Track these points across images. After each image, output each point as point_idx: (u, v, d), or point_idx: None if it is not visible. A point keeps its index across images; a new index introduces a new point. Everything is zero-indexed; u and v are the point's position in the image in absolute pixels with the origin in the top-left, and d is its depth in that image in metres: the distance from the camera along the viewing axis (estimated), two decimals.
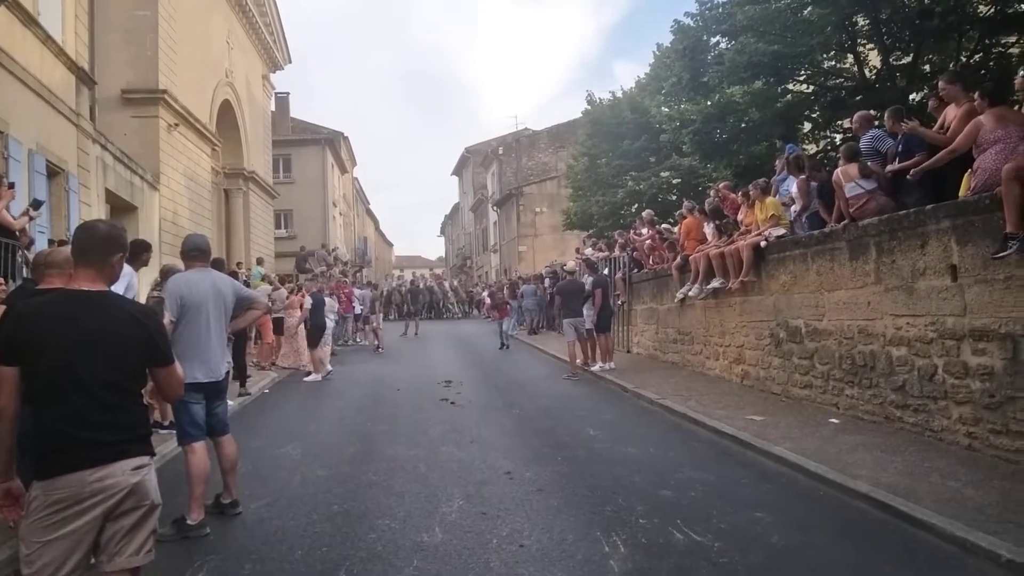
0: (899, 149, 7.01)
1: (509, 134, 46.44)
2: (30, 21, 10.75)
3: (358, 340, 20.56)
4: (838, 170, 7.47)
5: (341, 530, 4.78)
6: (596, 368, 12.19)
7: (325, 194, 38.07)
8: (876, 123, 8.21)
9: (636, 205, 19.92)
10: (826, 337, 7.93)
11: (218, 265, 9.15)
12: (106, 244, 2.74)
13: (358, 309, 20.44)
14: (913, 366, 6.60)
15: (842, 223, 7.57)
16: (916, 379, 6.55)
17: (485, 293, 31.00)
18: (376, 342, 18.72)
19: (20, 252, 7.61)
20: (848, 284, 7.54)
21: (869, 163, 7.31)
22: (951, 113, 6.54)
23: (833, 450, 6.22)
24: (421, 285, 32.04)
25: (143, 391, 2.83)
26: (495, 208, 44.28)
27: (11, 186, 7.20)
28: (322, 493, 5.64)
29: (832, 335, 7.82)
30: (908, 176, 6.67)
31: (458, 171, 58.99)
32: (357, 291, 21.54)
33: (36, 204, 7.66)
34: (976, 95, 6.30)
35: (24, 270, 7.79)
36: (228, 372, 5.40)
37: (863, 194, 7.20)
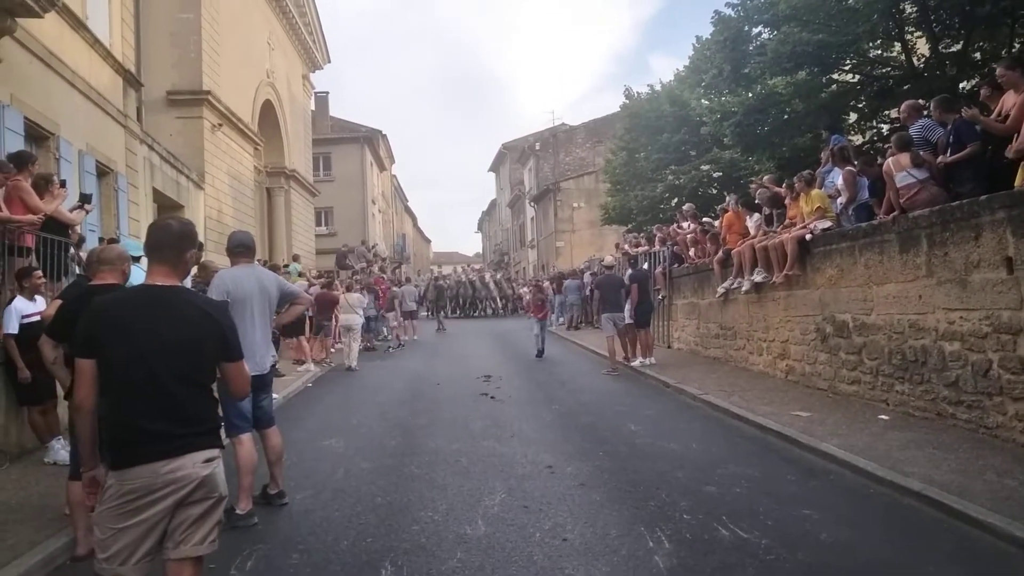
0: (950, 139, 6.78)
1: (546, 130, 46.25)
2: (79, 25, 11.03)
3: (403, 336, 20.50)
4: (889, 160, 7.28)
5: (385, 522, 4.83)
6: (636, 363, 12.09)
7: (364, 191, 38.47)
8: (925, 112, 8.00)
9: (676, 199, 19.67)
10: (875, 332, 7.74)
11: (203, 268, 9.29)
12: (180, 241, 2.83)
13: (410, 306, 20.40)
14: (967, 361, 6.40)
15: (892, 215, 7.37)
16: (970, 374, 6.35)
17: (524, 289, 30.32)
18: (398, 340, 18.93)
19: (71, 249, 7.82)
20: (898, 277, 7.34)
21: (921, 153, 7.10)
22: (1010, 100, 6.30)
23: (883, 447, 6.07)
24: (463, 278, 31.93)
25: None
26: (532, 204, 44.19)
27: (63, 184, 7.41)
28: (366, 485, 5.71)
29: (881, 330, 7.62)
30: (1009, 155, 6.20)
31: (495, 167, 59.02)
32: (397, 288, 21.57)
33: (87, 198, 7.87)
34: None
35: (75, 267, 8.02)
36: (274, 365, 5.48)
37: (914, 184, 7.00)
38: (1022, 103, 6.06)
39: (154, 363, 2.59)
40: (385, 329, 19.97)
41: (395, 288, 21.02)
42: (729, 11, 13.29)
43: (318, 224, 33.57)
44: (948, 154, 6.80)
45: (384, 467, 6.26)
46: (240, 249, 5.22)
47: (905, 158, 7.09)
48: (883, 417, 7.16)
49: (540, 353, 14.15)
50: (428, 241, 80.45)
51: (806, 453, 6.34)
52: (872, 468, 5.52)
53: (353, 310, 14.14)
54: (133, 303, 2.73)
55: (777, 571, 3.89)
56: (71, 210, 7.69)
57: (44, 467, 6.13)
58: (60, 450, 6.16)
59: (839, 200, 8.95)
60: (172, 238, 2.82)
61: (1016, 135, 6.03)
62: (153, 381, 2.59)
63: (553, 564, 4.04)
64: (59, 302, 4.71)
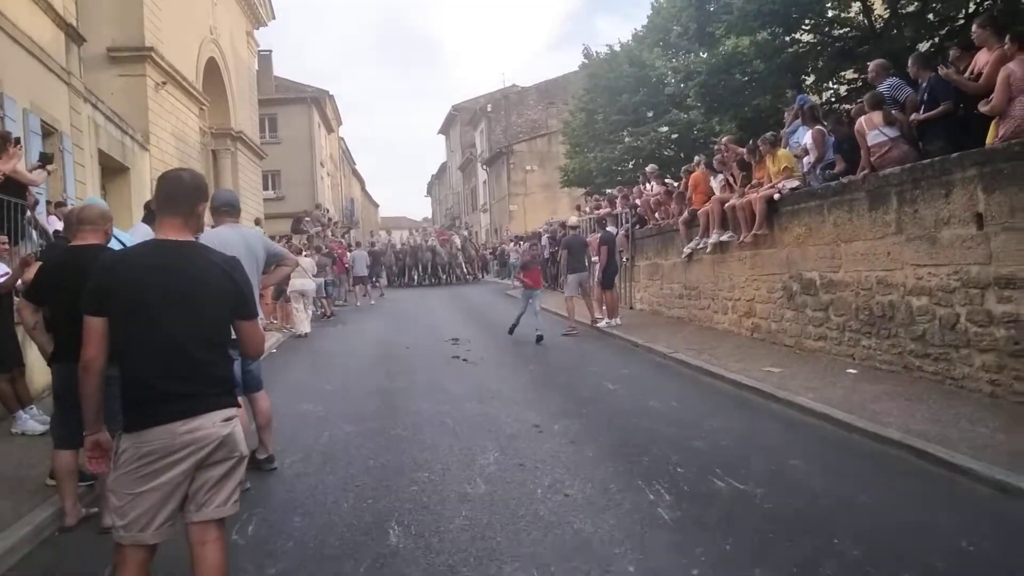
0: (924, 97, 6.93)
1: (497, 91, 45.84)
2: None
3: (355, 303, 20.45)
4: (861, 118, 7.41)
5: (382, 483, 4.79)
6: (602, 324, 12.20)
7: (312, 154, 37.51)
8: (892, 72, 8.14)
9: (634, 161, 19.76)
10: (842, 289, 7.95)
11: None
12: (193, 193, 2.70)
13: (361, 271, 20.36)
14: (934, 315, 6.63)
15: (862, 173, 7.53)
16: (937, 328, 6.60)
17: (510, 246, 27.15)
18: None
19: (28, 212, 7.43)
20: (867, 235, 7.53)
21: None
22: (983, 58, 6.45)
23: (857, 399, 6.28)
24: (422, 242, 29.87)
25: None
26: (484, 167, 43.88)
27: (17, 142, 6.98)
28: (354, 448, 5.65)
29: (849, 286, 7.84)
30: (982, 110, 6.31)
31: (445, 130, 58.27)
32: (351, 253, 21.38)
33: (48, 158, 7.45)
34: (1007, 40, 6.22)
35: (31, 231, 7.63)
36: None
37: (886, 142, 7.15)
38: (995, 61, 6.20)
39: (169, 321, 2.48)
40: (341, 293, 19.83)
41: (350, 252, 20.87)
42: None
43: (265, 188, 32.62)
44: (921, 111, 6.94)
45: (369, 430, 6.20)
46: (226, 208, 5.02)
47: (877, 116, 7.23)
48: (851, 371, 7.40)
49: (540, 338, 11.00)
50: (376, 206, 79.22)
51: (783, 407, 6.52)
52: (851, 419, 5.71)
53: (306, 274, 13.86)
54: (146, 259, 2.58)
55: (779, 519, 4.00)
56: (30, 170, 7.27)
57: (13, 438, 5.87)
58: (29, 420, 5.91)
59: (805, 159, 9.09)
60: (185, 190, 2.69)
61: (989, 94, 6.19)
62: (169, 340, 2.48)
63: (560, 519, 4.08)
64: (38, 264, 4.47)
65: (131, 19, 17.12)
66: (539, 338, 10.95)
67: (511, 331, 11.67)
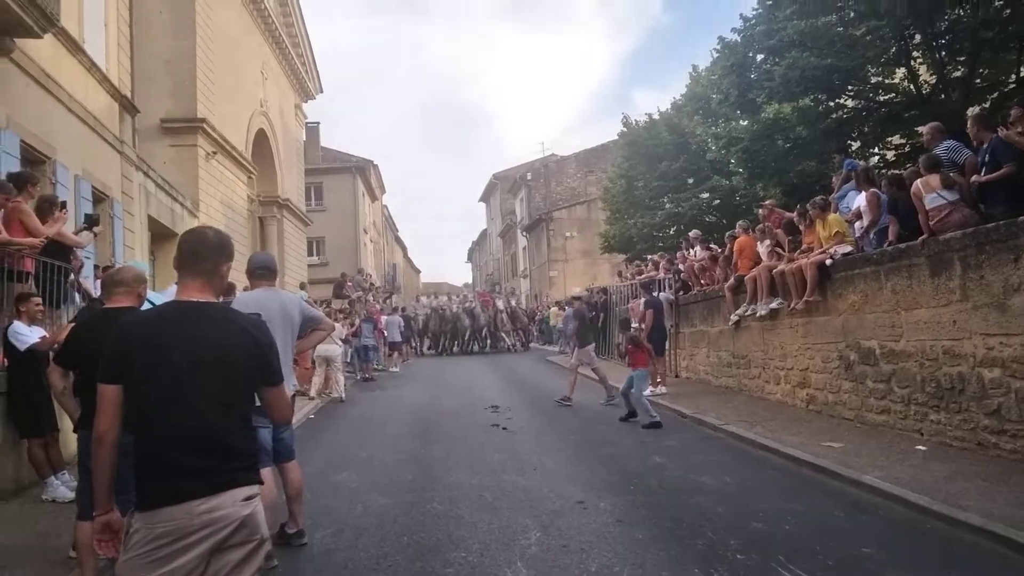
0: (985, 159, 6.64)
1: (537, 160, 46.45)
2: (76, 49, 10.80)
3: (390, 368, 20.31)
4: (918, 181, 7.12)
5: (415, 563, 4.49)
6: (647, 393, 11.78)
7: (356, 221, 38.27)
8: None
9: (675, 227, 19.59)
10: (905, 359, 7.51)
11: (230, 290, 8.97)
12: (217, 252, 2.54)
13: (394, 336, 20.35)
14: (1009, 388, 6.17)
15: (921, 238, 7.20)
16: (1013, 402, 6.12)
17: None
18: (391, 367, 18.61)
19: (72, 275, 7.49)
20: (929, 302, 7.14)
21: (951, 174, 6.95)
22: None
23: (929, 479, 5.80)
24: (456, 308, 26.71)
25: None
26: (524, 233, 44.15)
27: (63, 207, 7.09)
28: (388, 523, 5.36)
29: (912, 356, 7.40)
30: None
31: (485, 198, 59.12)
32: (384, 318, 21.38)
33: (94, 220, 7.54)
34: None
35: (75, 294, 7.68)
36: (294, 395, 5.15)
37: (945, 205, 6.84)
38: None
39: (189, 388, 2.28)
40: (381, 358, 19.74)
41: (384, 317, 20.86)
42: (735, 36, 13.29)
43: (310, 254, 33.24)
44: (983, 173, 6.64)
45: (404, 503, 5.91)
46: (262, 271, 4.93)
47: (935, 179, 6.94)
48: (920, 448, 6.90)
49: (655, 424, 9.18)
50: (418, 271, 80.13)
51: (847, 486, 6.05)
52: (925, 502, 5.24)
53: (333, 340, 13.74)
54: (165, 321, 2.40)
55: None
56: (76, 232, 7.37)
57: (42, 504, 5.74)
58: (60, 486, 5.78)
59: (858, 224, 8.78)
60: (209, 248, 2.54)
61: None
62: (188, 408, 2.28)
63: None
64: (70, 327, 4.39)
65: (185, 92, 17.84)
66: (654, 424, 9.10)
67: (625, 418, 9.77)
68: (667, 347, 13.61)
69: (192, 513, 2.21)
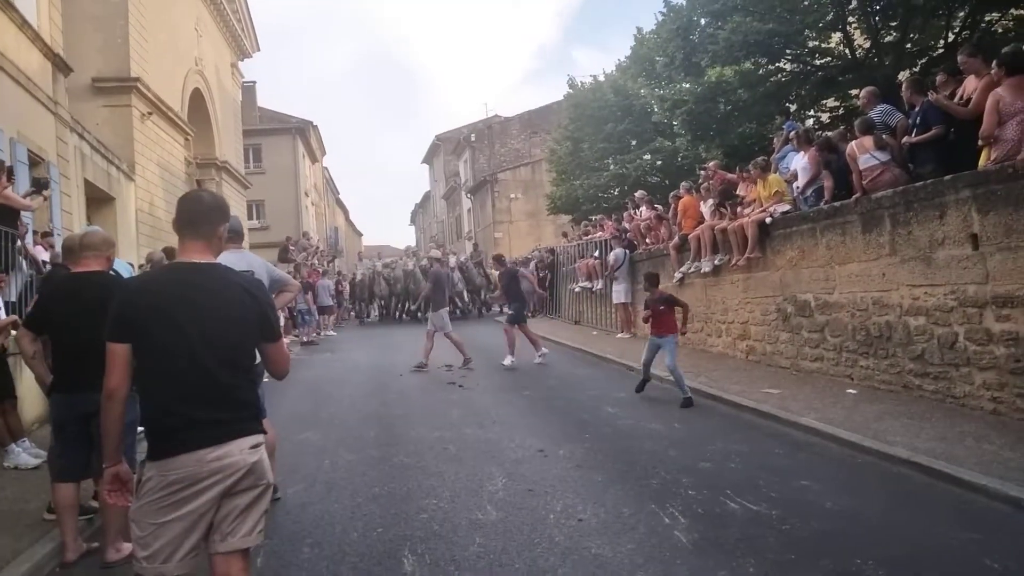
0: (916, 121, 7.06)
1: (480, 121, 46.09)
2: (6, 5, 10.32)
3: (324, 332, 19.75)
4: (853, 143, 7.53)
5: (390, 511, 4.70)
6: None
7: (297, 184, 37.49)
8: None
9: (620, 188, 19.94)
10: (837, 310, 8.01)
11: (170, 254, 8.89)
12: (214, 213, 2.65)
13: (325, 300, 19.74)
14: (932, 335, 6.69)
15: (854, 196, 7.63)
16: (936, 347, 6.65)
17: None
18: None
19: (18, 241, 7.31)
20: (861, 257, 7.61)
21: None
22: (971, 85, 6.61)
23: (860, 419, 6.29)
24: (411, 266, 22.31)
25: None
26: (469, 195, 44.02)
27: (10, 171, 6.89)
28: (357, 476, 5.54)
29: (844, 307, 7.90)
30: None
31: (428, 159, 58.51)
32: (324, 282, 20.57)
33: (43, 183, 7.34)
34: (994, 66, 6.37)
35: (22, 260, 7.50)
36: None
37: (877, 166, 7.27)
38: (983, 88, 6.35)
39: (197, 346, 2.41)
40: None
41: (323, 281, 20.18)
42: (680, 0, 13.51)
43: (250, 217, 32.53)
44: (913, 135, 7.07)
45: (371, 458, 6.09)
46: (230, 234, 4.93)
47: (868, 141, 7.35)
48: (851, 391, 7.43)
49: (687, 401, 7.66)
50: (360, 235, 79.05)
51: (786, 428, 6.51)
52: (856, 439, 5.71)
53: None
54: (170, 282, 2.53)
55: (797, 540, 3.96)
56: (24, 196, 7.17)
57: (5, 472, 5.70)
58: (22, 453, 5.75)
59: (795, 183, 9.21)
60: (206, 210, 2.65)
61: (978, 118, 6.31)
62: (196, 365, 2.41)
63: (576, 544, 4.01)
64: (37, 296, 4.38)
65: (117, 50, 17.12)
66: (686, 401, 7.62)
67: (640, 388, 8.46)
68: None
69: (203, 461, 2.36)
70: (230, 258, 4.84)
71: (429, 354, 11.47)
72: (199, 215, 2.63)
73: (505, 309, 14.26)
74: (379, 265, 23.44)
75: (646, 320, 8.39)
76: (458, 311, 21.47)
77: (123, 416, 2.51)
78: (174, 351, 2.41)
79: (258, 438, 2.54)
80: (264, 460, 2.55)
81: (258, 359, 2.77)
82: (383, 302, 23.91)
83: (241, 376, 2.55)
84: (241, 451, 2.44)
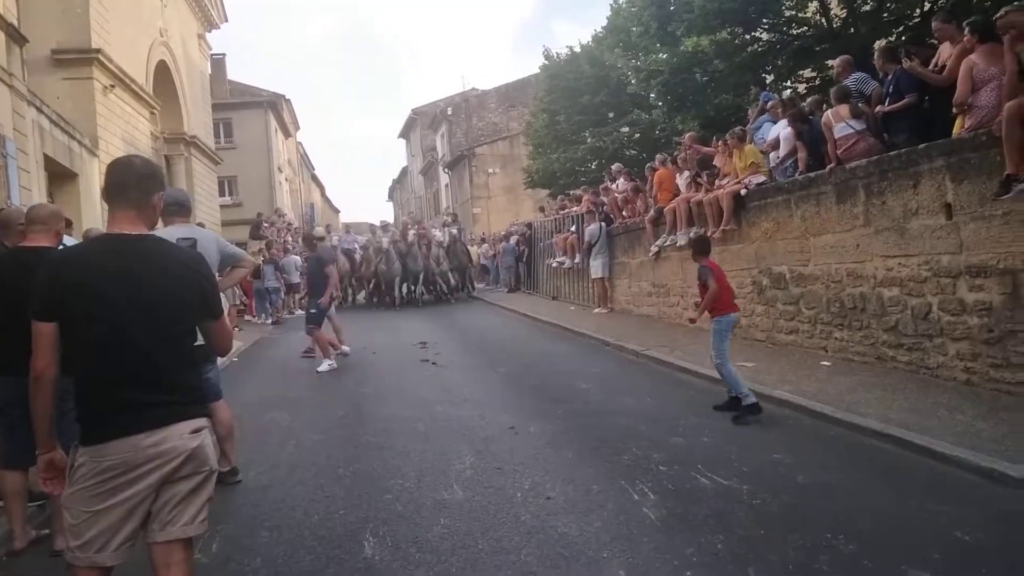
0: (889, 90, 6.95)
1: (457, 94, 45.53)
2: None
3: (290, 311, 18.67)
4: (828, 112, 7.41)
5: (353, 492, 4.57)
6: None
7: (270, 159, 36.79)
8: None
9: (597, 161, 19.75)
10: (812, 282, 7.95)
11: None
12: (146, 180, 2.46)
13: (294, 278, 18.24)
14: (906, 306, 6.64)
15: (828, 167, 7.53)
16: (909, 318, 6.60)
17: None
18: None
19: None
20: (835, 228, 7.53)
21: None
22: (946, 52, 6.51)
23: (833, 391, 6.24)
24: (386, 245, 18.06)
25: None
26: (446, 170, 43.56)
27: None
28: (322, 457, 5.40)
29: (819, 279, 7.83)
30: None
31: (405, 134, 57.75)
32: (292, 258, 18.63)
33: None
34: (966, 32, 6.26)
35: None
36: None
37: (852, 135, 7.16)
38: (958, 54, 6.24)
39: (129, 324, 2.25)
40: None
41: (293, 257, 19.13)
42: None
43: (222, 194, 31.85)
44: (887, 104, 6.96)
45: (337, 438, 5.96)
46: (175, 207, 4.74)
47: (844, 109, 7.23)
48: (825, 363, 7.39)
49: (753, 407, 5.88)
50: (337, 211, 78.19)
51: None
52: (829, 411, 5.67)
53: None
54: (98, 255, 2.35)
55: (766, 515, 3.89)
56: None
57: None
58: None
59: (773, 154, 9.09)
60: (137, 177, 2.45)
61: (952, 85, 6.21)
62: (129, 344, 2.25)
63: (543, 523, 3.91)
64: None
65: (76, 20, 16.49)
66: (750, 407, 5.84)
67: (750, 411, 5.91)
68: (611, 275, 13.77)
69: (138, 447, 2.21)
70: (176, 232, 4.64)
71: (340, 335, 10.48)
72: (129, 181, 2.44)
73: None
74: (335, 239, 19.24)
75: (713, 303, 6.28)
76: (444, 295, 18.91)
77: (53, 400, 2.34)
78: (105, 330, 2.25)
79: (200, 422, 2.39)
80: (207, 445, 2.40)
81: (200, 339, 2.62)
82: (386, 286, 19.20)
83: (180, 356, 2.40)
84: (181, 436, 2.30)
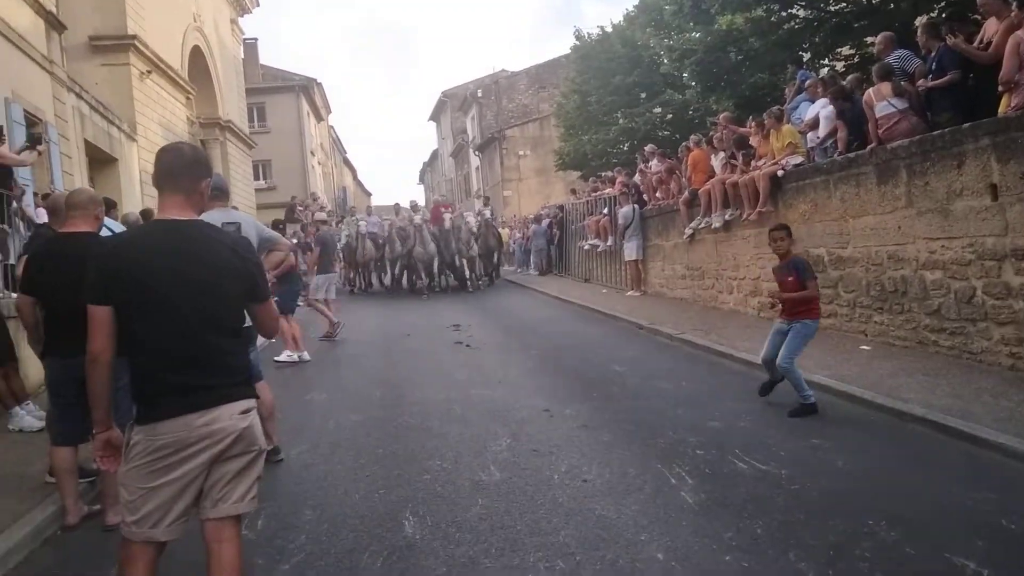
0: (932, 67, 6.77)
1: (487, 76, 45.29)
2: None
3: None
4: (870, 90, 7.25)
5: (392, 472, 4.64)
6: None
7: (302, 143, 37.09)
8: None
9: (628, 143, 19.56)
10: (851, 264, 7.82)
11: (147, 216, 8.72)
12: (195, 167, 2.52)
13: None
14: (949, 289, 6.51)
15: (869, 147, 7.38)
16: (953, 302, 6.47)
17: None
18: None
19: (13, 203, 7.19)
20: (876, 210, 7.39)
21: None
22: (991, 27, 6.31)
23: (874, 376, 6.16)
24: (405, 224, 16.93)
25: None
26: (476, 153, 43.50)
27: (0, 131, 6.74)
28: (361, 437, 5.49)
29: (858, 262, 7.71)
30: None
31: (435, 116, 57.72)
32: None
33: (36, 138, 7.20)
34: (1014, 6, 6.07)
35: (18, 221, 7.41)
36: None
37: (894, 114, 7.00)
38: (1005, 30, 6.06)
39: (181, 307, 2.32)
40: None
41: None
42: None
43: (256, 177, 32.27)
44: (929, 80, 6.78)
45: (376, 418, 6.04)
46: (216, 192, 4.77)
47: (887, 87, 7.06)
48: (865, 348, 7.29)
49: (809, 407, 5.49)
50: (369, 194, 78.64)
51: None
52: (870, 396, 5.60)
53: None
54: (152, 241, 2.42)
55: (806, 501, 3.87)
56: (19, 151, 7.03)
57: (9, 435, 5.68)
58: (26, 416, 5.73)
59: (811, 135, 8.93)
60: (185, 163, 2.51)
61: (998, 62, 6.03)
62: (181, 327, 2.32)
63: (580, 505, 3.94)
64: (25, 258, 4.27)
65: (113, 6, 16.76)
66: (808, 407, 5.45)
67: (765, 390, 5.91)
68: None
69: (191, 426, 2.28)
70: (216, 216, 4.72)
71: (331, 320, 10.76)
72: (180, 168, 2.50)
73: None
74: (362, 224, 17.75)
75: (775, 303, 5.85)
76: (469, 281, 17.31)
77: (109, 380, 2.42)
78: (158, 313, 2.32)
79: (249, 403, 2.46)
80: (256, 426, 2.47)
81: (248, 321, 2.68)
82: (361, 269, 18.50)
83: (230, 339, 2.46)
84: (231, 416, 2.37)
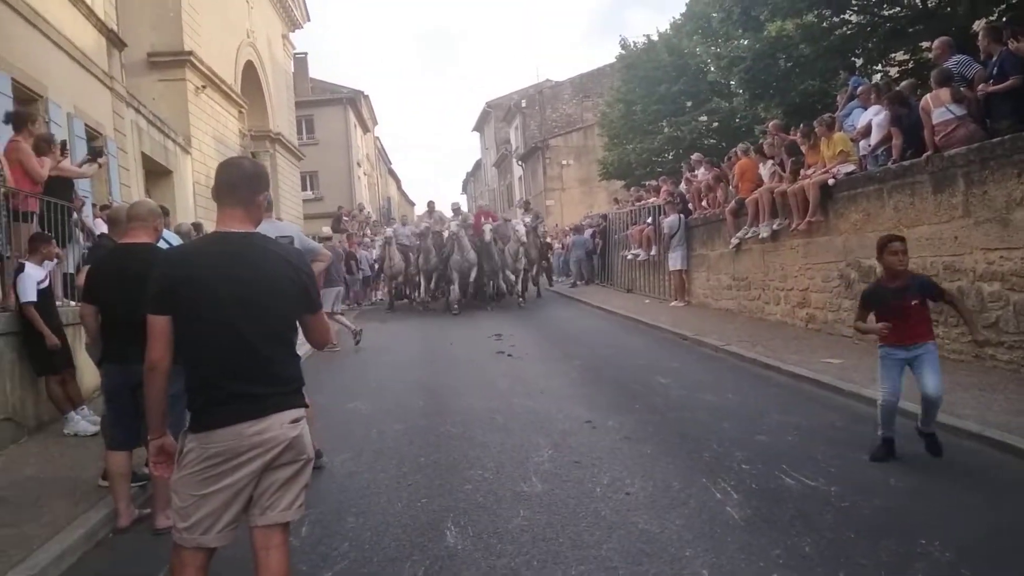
0: (993, 72, 6.56)
1: (531, 86, 45.46)
2: None
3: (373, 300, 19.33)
4: (928, 96, 7.05)
5: (435, 482, 4.66)
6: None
7: (349, 154, 37.77)
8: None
9: (674, 152, 19.40)
10: None
11: (198, 228, 8.96)
12: (254, 181, 2.58)
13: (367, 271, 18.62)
14: (1008, 301, 6.28)
15: (925, 155, 7.17)
16: (1011, 315, 6.25)
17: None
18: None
19: (74, 214, 7.47)
20: (931, 219, 7.18)
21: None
22: None
23: None
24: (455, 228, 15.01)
25: None
26: (520, 163, 43.63)
27: (63, 146, 7.02)
28: (404, 446, 5.53)
29: None
30: None
31: (479, 127, 58.13)
32: (362, 252, 18.63)
33: (97, 151, 7.49)
34: None
35: (78, 232, 7.68)
36: None
37: (952, 120, 6.80)
38: None
39: (236, 318, 2.37)
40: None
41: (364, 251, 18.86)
42: None
43: (304, 188, 32.93)
44: (990, 85, 6.57)
45: (418, 427, 6.07)
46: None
47: (945, 93, 6.86)
48: None
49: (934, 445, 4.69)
50: (412, 204, 79.53)
51: (848, 400, 6.23)
52: None
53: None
54: (209, 253, 2.48)
55: (856, 518, 3.76)
56: (80, 164, 7.32)
57: (64, 439, 5.89)
58: (81, 421, 5.92)
59: (862, 142, 8.73)
60: (245, 177, 2.56)
61: None
62: (236, 337, 2.37)
63: (623, 519, 3.89)
64: (87, 268, 4.43)
65: (170, 24, 17.35)
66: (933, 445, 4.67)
67: (882, 454, 4.72)
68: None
69: (242, 435, 2.33)
70: (268, 228, 4.82)
71: (348, 327, 11.29)
72: (238, 182, 2.55)
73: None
74: (389, 231, 16.54)
75: (883, 331, 4.65)
76: (514, 292, 15.69)
77: (166, 388, 2.49)
78: (214, 324, 2.38)
79: (299, 412, 2.50)
80: (305, 435, 2.51)
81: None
82: (395, 282, 17.01)
83: (283, 349, 2.51)
84: (281, 425, 2.41)
